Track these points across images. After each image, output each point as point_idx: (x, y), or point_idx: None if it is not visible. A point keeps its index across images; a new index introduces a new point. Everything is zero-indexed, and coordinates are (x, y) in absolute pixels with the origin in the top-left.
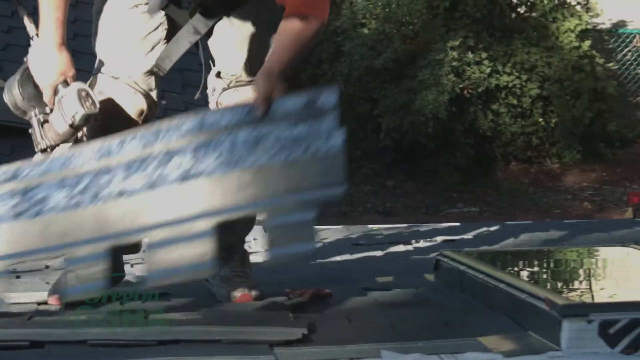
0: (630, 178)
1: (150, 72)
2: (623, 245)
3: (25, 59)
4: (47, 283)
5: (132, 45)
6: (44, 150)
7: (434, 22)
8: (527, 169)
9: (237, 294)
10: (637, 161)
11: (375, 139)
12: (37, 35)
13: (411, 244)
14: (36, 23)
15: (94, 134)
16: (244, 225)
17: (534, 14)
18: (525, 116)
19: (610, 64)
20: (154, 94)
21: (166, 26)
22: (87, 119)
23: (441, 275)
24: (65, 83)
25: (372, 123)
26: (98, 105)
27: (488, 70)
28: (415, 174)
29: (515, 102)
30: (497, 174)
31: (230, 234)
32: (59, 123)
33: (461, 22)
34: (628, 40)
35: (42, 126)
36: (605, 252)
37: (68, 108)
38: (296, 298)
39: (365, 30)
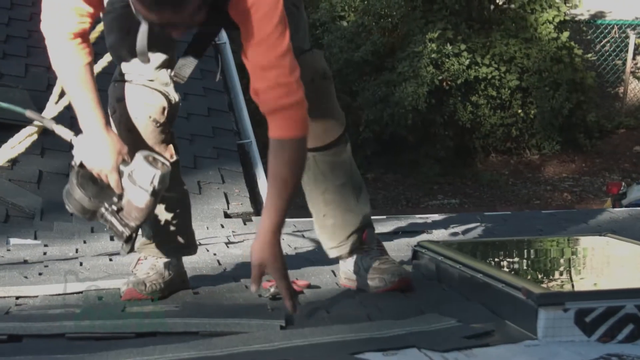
0: (609, 168)
1: (160, 67)
2: (600, 235)
3: (72, 164)
4: (25, 277)
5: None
6: (129, 239)
7: (412, 15)
8: (507, 160)
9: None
10: (616, 152)
11: (355, 131)
12: (74, 136)
13: (390, 236)
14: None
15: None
16: None
17: (512, 6)
18: (505, 107)
19: (589, 55)
20: (171, 88)
21: None
22: (164, 180)
23: (419, 266)
24: (125, 162)
25: (352, 116)
26: (169, 162)
27: (467, 62)
28: (395, 166)
29: (494, 93)
30: (477, 166)
31: None
32: (139, 198)
33: (440, 14)
34: (607, 31)
35: (117, 215)
36: (583, 242)
37: (143, 178)
38: (275, 289)
39: (344, 23)
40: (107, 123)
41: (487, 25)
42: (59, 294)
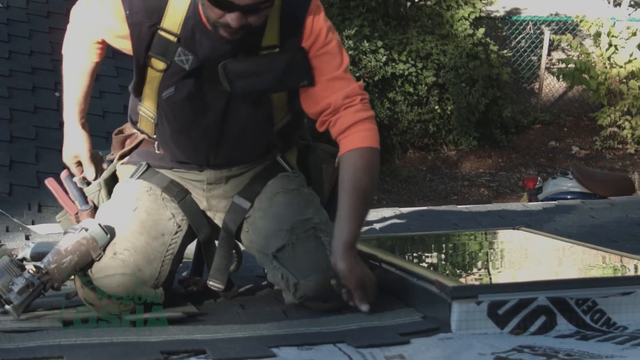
0: (525, 163)
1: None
2: (514, 228)
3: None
4: None
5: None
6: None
7: (329, 11)
8: (425, 156)
9: None
10: (531, 147)
11: None
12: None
13: None
14: None
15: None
16: None
17: (428, 2)
18: (422, 104)
19: (505, 52)
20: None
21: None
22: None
23: None
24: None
25: None
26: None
27: (384, 59)
28: None
29: (411, 90)
30: (395, 162)
31: None
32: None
33: (356, 11)
34: (521, 27)
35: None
36: (497, 235)
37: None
38: (190, 287)
39: None
40: (84, 119)
41: (404, 21)
42: None
